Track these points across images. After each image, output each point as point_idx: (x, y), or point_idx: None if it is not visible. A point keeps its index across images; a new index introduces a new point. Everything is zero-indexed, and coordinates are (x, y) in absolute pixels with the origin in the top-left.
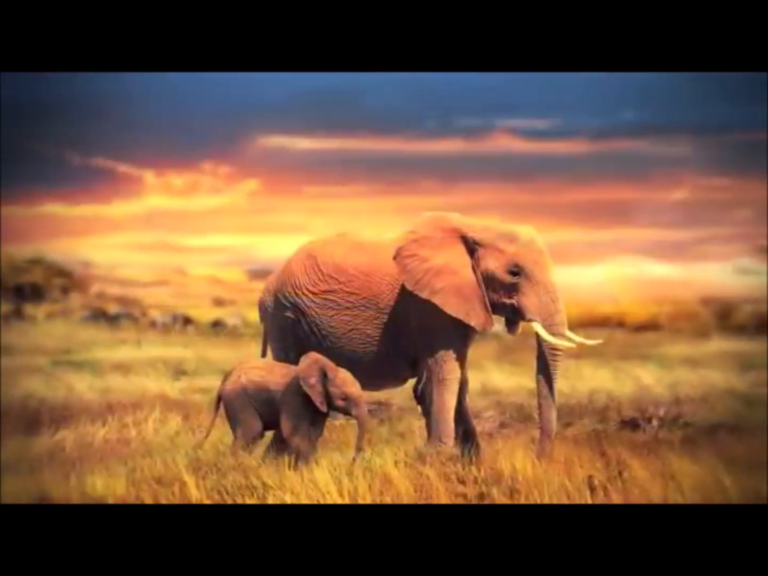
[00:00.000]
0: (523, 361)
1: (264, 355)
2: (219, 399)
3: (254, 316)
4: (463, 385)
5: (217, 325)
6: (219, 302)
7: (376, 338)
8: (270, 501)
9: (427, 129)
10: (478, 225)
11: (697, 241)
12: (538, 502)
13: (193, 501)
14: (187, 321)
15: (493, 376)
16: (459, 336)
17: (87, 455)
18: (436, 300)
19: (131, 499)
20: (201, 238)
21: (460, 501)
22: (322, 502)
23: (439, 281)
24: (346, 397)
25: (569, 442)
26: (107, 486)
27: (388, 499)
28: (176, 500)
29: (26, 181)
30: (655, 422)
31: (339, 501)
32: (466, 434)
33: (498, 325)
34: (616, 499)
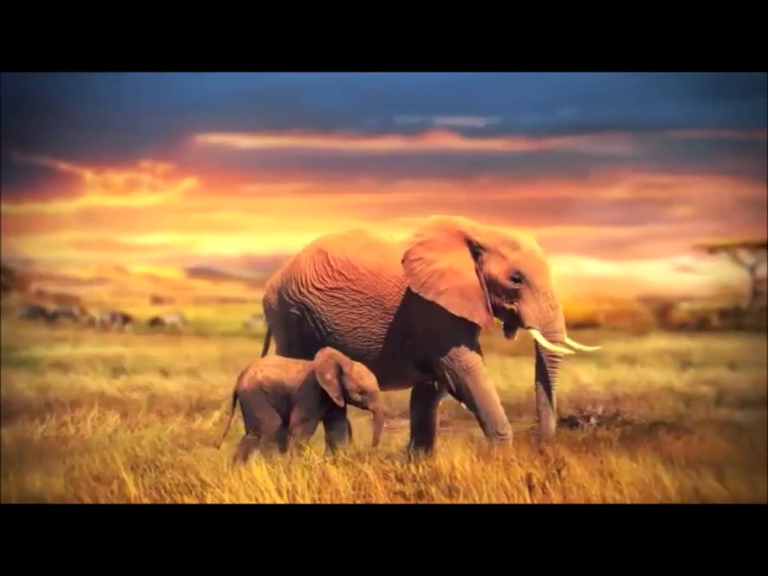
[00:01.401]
0: None
1: (265, 353)
2: (235, 396)
3: (192, 313)
4: (442, 386)
5: (155, 323)
6: (157, 300)
7: (382, 337)
8: (208, 499)
9: (366, 127)
10: (482, 229)
11: (635, 239)
12: (477, 500)
13: (132, 499)
14: (125, 319)
15: None
16: (466, 331)
17: (25, 453)
18: (441, 301)
19: (69, 497)
20: (140, 236)
21: (398, 499)
22: (260, 500)
23: (443, 283)
24: (362, 391)
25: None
26: (46, 484)
27: (326, 497)
28: (114, 498)
29: None
30: (593, 420)
31: (277, 499)
32: (423, 432)
33: None
34: (555, 497)
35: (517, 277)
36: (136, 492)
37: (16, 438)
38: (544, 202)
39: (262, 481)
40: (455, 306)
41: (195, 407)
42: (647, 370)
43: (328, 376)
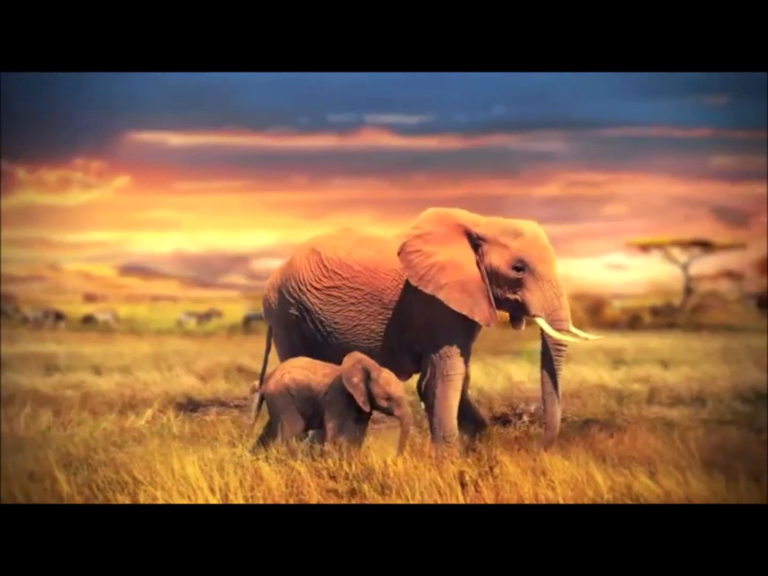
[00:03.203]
0: None
1: (268, 351)
2: (262, 398)
3: (124, 311)
4: (464, 380)
5: (88, 320)
6: (90, 298)
7: (381, 334)
8: (141, 497)
9: (299, 125)
10: (482, 220)
11: (568, 236)
12: (410, 497)
13: (64, 496)
14: (58, 317)
15: None
16: (463, 331)
17: None
18: (441, 295)
19: (2, 495)
20: (73, 233)
21: (331, 497)
22: (193, 498)
23: (443, 276)
24: (389, 398)
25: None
26: None
27: (259, 495)
28: (47, 495)
29: None
30: (526, 418)
31: (210, 497)
32: (476, 425)
33: None
34: (487, 495)
35: (520, 266)
36: (68, 490)
37: None
38: (476, 200)
39: (195, 479)
40: (456, 301)
41: (128, 405)
42: (579, 367)
43: (355, 380)
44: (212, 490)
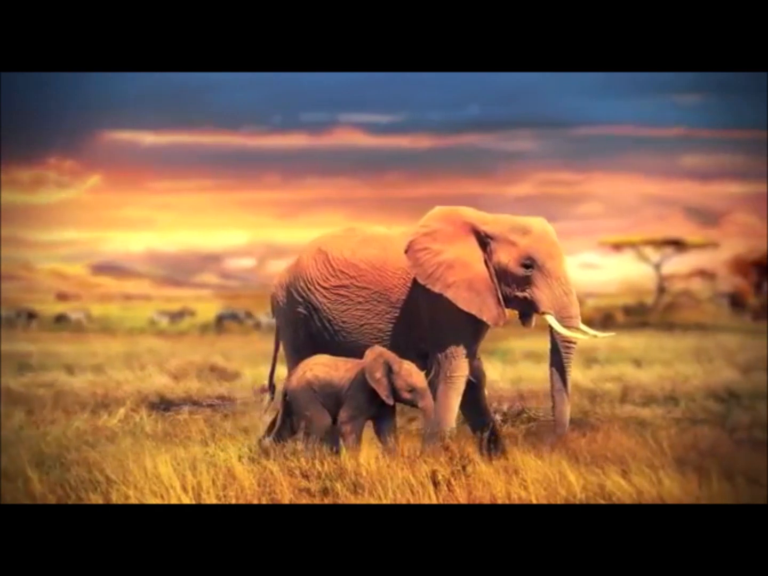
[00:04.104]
0: None
1: (277, 349)
2: (285, 395)
3: (97, 310)
4: (480, 377)
5: (60, 319)
6: (63, 297)
7: (388, 333)
8: (114, 496)
9: (272, 124)
10: (490, 218)
11: None
12: (382, 496)
13: (37, 496)
14: (30, 316)
15: None
16: (471, 331)
17: None
18: (449, 294)
19: None
20: (46, 232)
21: (304, 495)
22: (165, 497)
23: (451, 275)
24: (412, 389)
25: (413, 437)
26: None
27: (231, 494)
28: (20, 495)
29: None
30: (498, 417)
31: (182, 496)
32: (484, 428)
33: None
34: (460, 494)
35: (529, 263)
36: (41, 489)
37: None
38: (449, 200)
39: (168, 478)
40: (464, 300)
41: (100, 404)
42: None
43: (378, 374)
44: (185, 489)
